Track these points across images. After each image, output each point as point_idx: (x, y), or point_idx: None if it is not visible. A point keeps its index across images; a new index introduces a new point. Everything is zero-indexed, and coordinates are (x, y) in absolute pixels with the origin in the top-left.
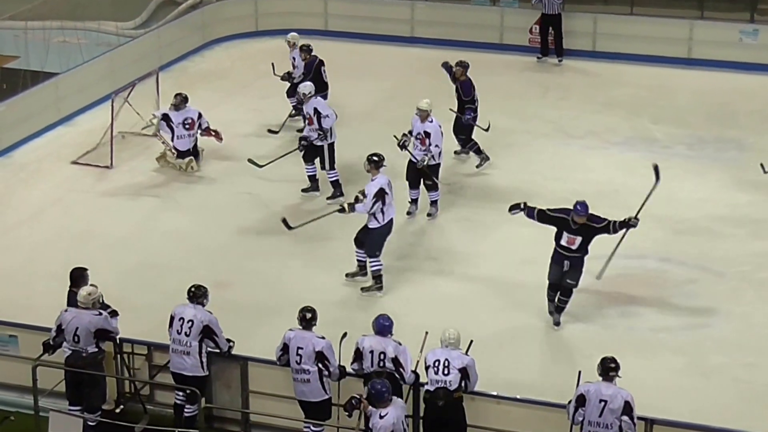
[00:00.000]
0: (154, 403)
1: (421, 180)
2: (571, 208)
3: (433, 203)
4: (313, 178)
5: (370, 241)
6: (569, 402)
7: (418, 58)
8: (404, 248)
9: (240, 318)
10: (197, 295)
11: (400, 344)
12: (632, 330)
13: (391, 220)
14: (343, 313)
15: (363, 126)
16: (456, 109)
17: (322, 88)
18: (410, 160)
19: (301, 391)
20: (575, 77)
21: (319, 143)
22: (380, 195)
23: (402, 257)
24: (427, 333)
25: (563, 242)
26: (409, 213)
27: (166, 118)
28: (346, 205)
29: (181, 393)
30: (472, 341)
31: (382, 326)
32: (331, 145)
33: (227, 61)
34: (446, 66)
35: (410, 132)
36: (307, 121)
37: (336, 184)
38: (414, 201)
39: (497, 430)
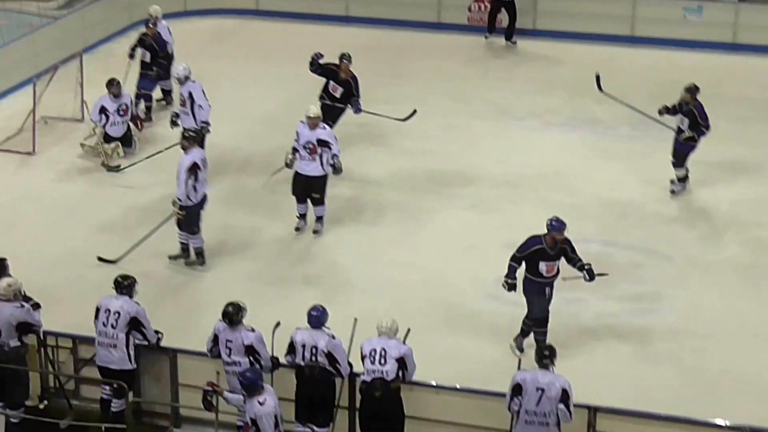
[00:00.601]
0: (80, 399)
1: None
2: (539, 234)
3: (319, 219)
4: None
5: (188, 219)
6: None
7: (354, 38)
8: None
9: (170, 309)
10: (124, 285)
11: (333, 337)
12: (577, 317)
13: (205, 195)
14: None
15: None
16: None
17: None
18: (296, 173)
19: (234, 384)
20: (516, 57)
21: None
22: (193, 170)
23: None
24: (356, 319)
25: (543, 272)
26: (297, 229)
27: (103, 109)
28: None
29: (107, 387)
30: (409, 330)
31: (313, 318)
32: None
33: None
34: (315, 59)
35: (294, 148)
36: (180, 103)
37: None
38: (302, 216)
39: (436, 421)
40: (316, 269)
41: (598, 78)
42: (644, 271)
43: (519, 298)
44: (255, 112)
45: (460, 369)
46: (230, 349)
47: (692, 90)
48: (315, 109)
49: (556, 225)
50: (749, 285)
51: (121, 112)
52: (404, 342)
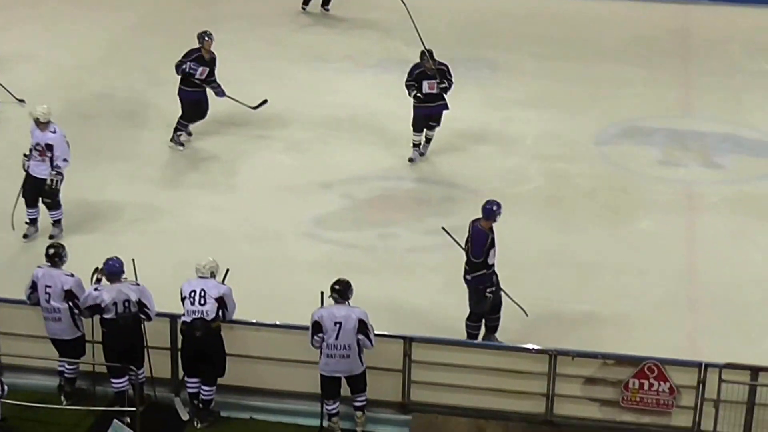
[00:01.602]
0: None
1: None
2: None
3: (56, 223)
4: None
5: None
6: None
7: None
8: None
9: None
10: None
11: (138, 285)
12: (391, 251)
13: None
14: None
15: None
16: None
17: None
18: (28, 174)
19: (53, 330)
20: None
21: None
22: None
23: (158, 184)
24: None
25: (493, 260)
26: (26, 236)
27: None
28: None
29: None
30: (228, 270)
31: (113, 268)
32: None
33: None
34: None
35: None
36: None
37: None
38: (32, 221)
39: (257, 357)
40: (137, 215)
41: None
42: (453, 205)
43: (336, 236)
44: None
45: (280, 306)
46: (49, 294)
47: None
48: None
49: (496, 209)
50: (552, 216)
51: None
52: (223, 282)
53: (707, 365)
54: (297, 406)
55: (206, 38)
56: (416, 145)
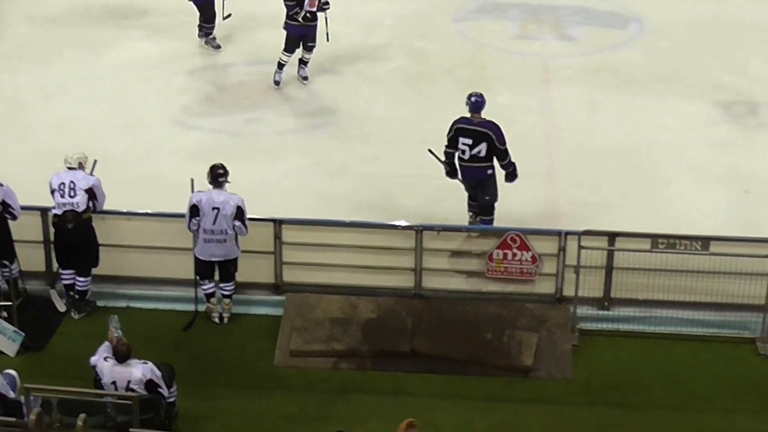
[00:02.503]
0: None
1: None
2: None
3: None
4: None
5: None
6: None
7: None
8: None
9: None
10: None
11: (1, 185)
12: (258, 135)
13: None
14: None
15: None
16: None
17: None
18: None
19: None
20: None
21: None
22: None
23: (21, 74)
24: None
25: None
26: None
27: None
28: None
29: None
30: (96, 161)
31: None
32: None
33: None
34: None
35: None
36: None
37: None
38: None
39: (129, 246)
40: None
41: None
42: (317, 87)
43: (202, 122)
44: None
45: (150, 195)
46: None
47: None
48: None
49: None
50: (414, 93)
51: None
52: (92, 173)
53: (567, 233)
54: (173, 292)
55: None
56: (282, 65)
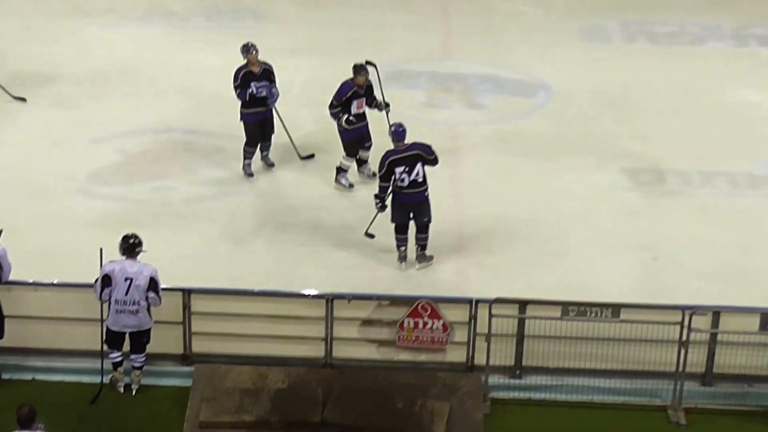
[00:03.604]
0: None
1: None
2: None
3: None
4: None
5: None
6: (96, 281)
7: None
8: None
9: None
10: None
11: None
12: (165, 203)
13: None
14: None
15: None
16: None
17: None
18: None
19: None
20: None
21: None
22: None
23: None
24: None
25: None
26: None
27: None
28: None
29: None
30: (1, 230)
31: None
32: None
33: None
34: None
35: None
36: None
37: None
38: None
39: (36, 317)
40: None
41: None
42: (226, 156)
43: (110, 191)
44: None
45: (57, 265)
46: None
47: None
48: None
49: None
50: (323, 162)
51: None
52: None
53: (477, 301)
54: (80, 364)
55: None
56: (344, 171)
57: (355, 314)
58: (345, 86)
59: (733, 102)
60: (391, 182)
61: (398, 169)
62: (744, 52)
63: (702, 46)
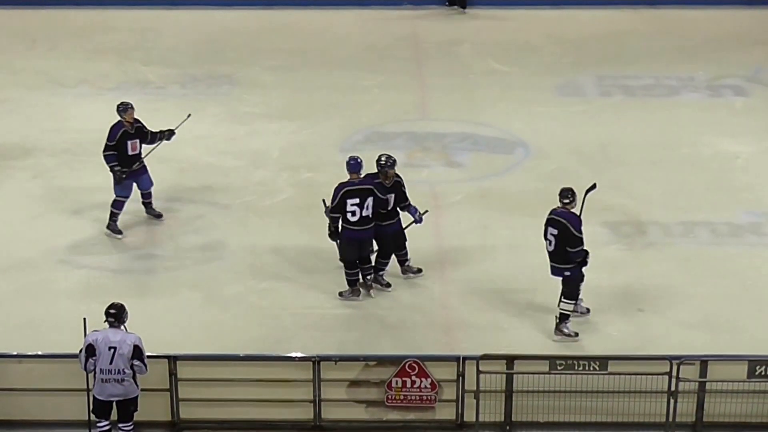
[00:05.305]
0: None
1: None
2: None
3: None
4: None
5: None
6: (80, 351)
7: None
8: None
9: None
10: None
11: None
12: (147, 272)
13: None
14: None
15: None
16: None
17: None
18: None
19: None
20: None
21: None
22: None
23: None
24: None
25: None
26: None
27: None
28: None
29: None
30: None
31: None
32: None
33: None
34: None
35: None
36: None
37: None
38: None
39: (22, 390)
40: None
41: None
42: (206, 222)
43: (91, 261)
44: None
45: (40, 336)
46: None
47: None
48: None
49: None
50: (303, 225)
51: None
52: None
53: (465, 358)
54: None
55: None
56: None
57: (343, 375)
58: None
59: (711, 152)
60: (342, 213)
61: (350, 201)
62: (719, 102)
63: (677, 96)
